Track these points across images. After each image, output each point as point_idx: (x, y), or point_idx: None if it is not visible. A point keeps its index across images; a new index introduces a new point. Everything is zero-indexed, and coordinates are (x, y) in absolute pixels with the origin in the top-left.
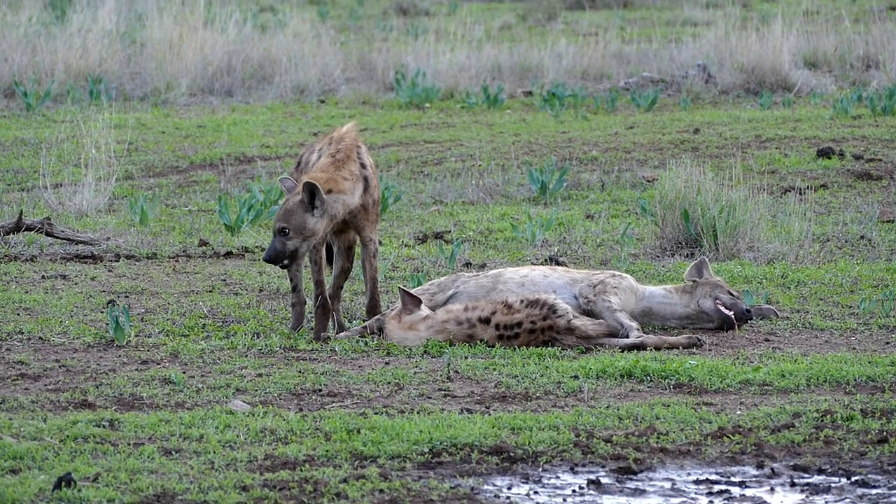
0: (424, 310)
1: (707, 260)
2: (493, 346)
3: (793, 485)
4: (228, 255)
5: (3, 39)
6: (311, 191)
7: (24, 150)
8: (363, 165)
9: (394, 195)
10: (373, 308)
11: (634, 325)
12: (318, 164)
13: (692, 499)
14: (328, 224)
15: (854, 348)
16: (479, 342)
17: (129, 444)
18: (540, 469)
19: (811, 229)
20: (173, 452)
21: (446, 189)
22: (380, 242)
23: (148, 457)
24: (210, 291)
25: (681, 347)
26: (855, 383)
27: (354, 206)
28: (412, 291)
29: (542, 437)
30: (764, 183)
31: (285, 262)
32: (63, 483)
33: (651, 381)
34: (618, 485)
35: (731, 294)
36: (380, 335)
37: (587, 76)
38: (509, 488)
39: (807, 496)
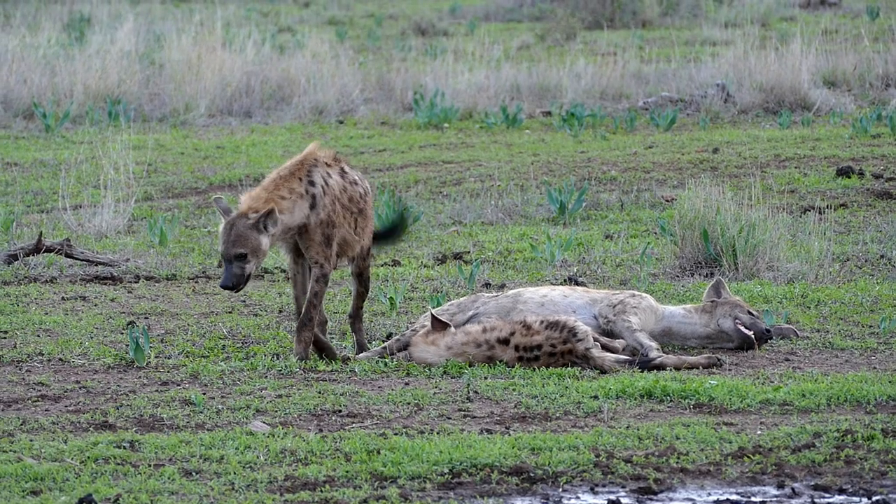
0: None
1: (723, 280)
2: (513, 367)
3: None
4: None
5: (23, 61)
6: (268, 215)
7: (44, 172)
8: (311, 183)
9: (413, 216)
10: (300, 327)
11: (654, 344)
12: (262, 181)
13: None
14: (271, 243)
15: (874, 368)
16: (498, 363)
17: (149, 466)
18: (560, 489)
19: (831, 249)
20: (194, 473)
21: (465, 209)
22: (370, 268)
23: (168, 478)
24: (229, 312)
25: (700, 367)
26: (875, 403)
27: (294, 225)
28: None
29: (562, 457)
30: (783, 202)
31: (242, 286)
32: None
33: (671, 401)
34: None
35: (751, 314)
36: (398, 354)
37: (606, 96)
38: None
39: None
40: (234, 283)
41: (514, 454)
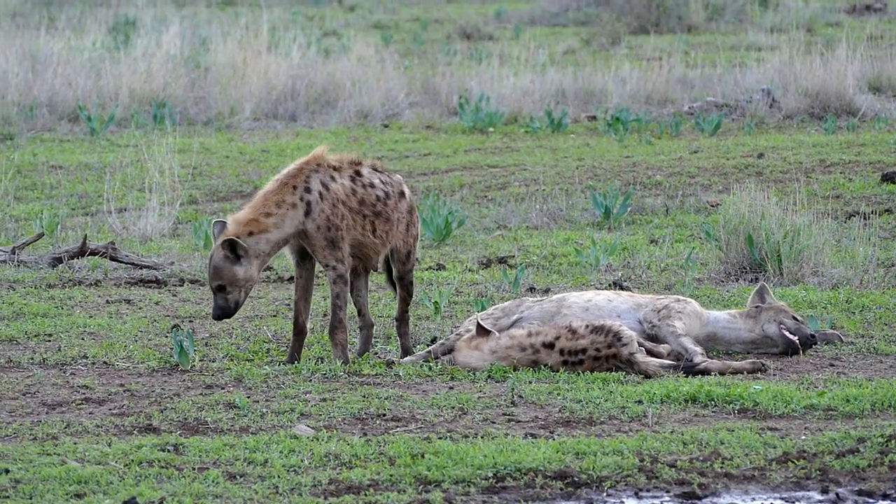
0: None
1: (767, 285)
2: (558, 371)
3: None
4: (292, 279)
5: (68, 64)
6: (231, 246)
7: (89, 175)
8: (307, 190)
9: (457, 220)
10: (331, 330)
11: (699, 349)
12: (256, 194)
13: None
14: (262, 263)
15: None
16: (543, 367)
17: (193, 469)
18: (604, 494)
19: (876, 254)
20: (238, 477)
21: (510, 214)
22: (411, 268)
23: (212, 481)
24: (274, 316)
25: (745, 372)
26: None
27: (286, 236)
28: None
29: (607, 461)
30: (828, 208)
31: (235, 313)
32: None
33: (715, 406)
34: None
35: (796, 319)
36: (443, 358)
37: (651, 101)
38: None
39: None
40: (221, 315)
41: (558, 459)
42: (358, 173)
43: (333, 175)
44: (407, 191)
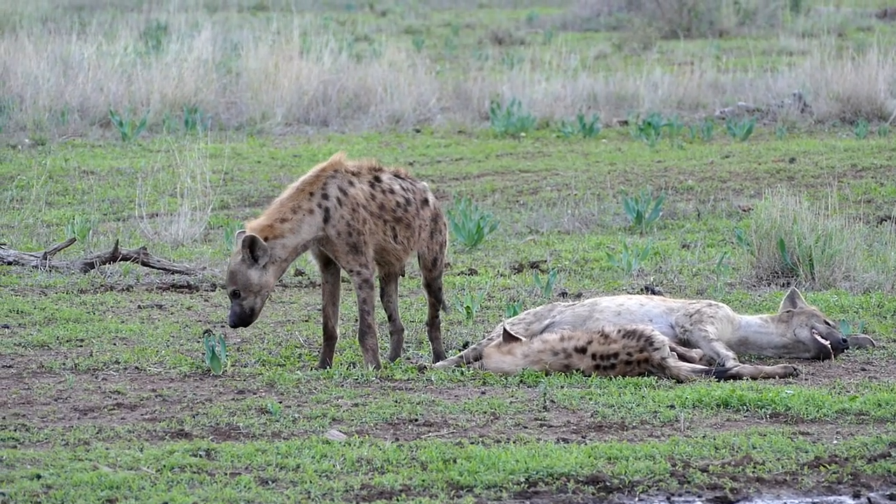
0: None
1: (798, 290)
2: (590, 376)
3: None
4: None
5: (99, 69)
6: (251, 244)
7: (120, 180)
8: (325, 196)
9: (489, 225)
10: (361, 336)
11: (731, 354)
12: (273, 200)
13: None
14: (279, 270)
15: None
16: (575, 372)
17: (225, 474)
18: (636, 499)
19: None
20: (270, 482)
21: (542, 218)
22: (440, 270)
23: (245, 486)
24: (306, 321)
25: (777, 377)
26: None
27: (304, 241)
28: (511, 323)
29: (639, 466)
30: (860, 212)
31: (251, 320)
32: None
33: (747, 410)
34: None
35: (828, 323)
36: (474, 363)
37: (683, 105)
38: None
39: None
40: (237, 322)
41: (590, 463)
42: (377, 179)
43: (352, 180)
44: (431, 198)
